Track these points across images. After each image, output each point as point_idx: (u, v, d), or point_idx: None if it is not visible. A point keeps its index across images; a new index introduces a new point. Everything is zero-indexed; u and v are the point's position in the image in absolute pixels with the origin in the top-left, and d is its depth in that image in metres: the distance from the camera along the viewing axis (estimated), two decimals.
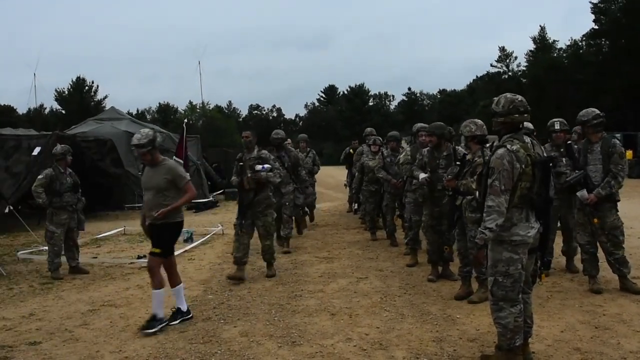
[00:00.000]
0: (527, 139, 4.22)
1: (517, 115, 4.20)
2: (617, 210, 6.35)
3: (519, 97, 4.27)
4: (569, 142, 6.58)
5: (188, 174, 17.99)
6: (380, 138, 10.74)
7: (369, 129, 12.21)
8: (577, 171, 6.33)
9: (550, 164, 4.24)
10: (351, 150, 14.42)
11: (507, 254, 4.13)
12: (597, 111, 6.34)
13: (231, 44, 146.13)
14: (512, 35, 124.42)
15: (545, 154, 4.35)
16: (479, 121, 6.19)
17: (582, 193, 6.24)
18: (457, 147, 7.44)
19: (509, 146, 4.11)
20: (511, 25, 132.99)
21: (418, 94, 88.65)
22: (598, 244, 6.43)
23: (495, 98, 4.41)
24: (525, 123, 4.43)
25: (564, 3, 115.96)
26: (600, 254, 6.43)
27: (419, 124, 8.67)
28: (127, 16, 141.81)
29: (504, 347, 4.24)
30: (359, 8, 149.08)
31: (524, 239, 4.11)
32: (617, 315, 5.55)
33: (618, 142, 6.38)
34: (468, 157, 6.24)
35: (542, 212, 4.23)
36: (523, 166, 4.05)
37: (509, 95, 4.31)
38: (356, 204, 11.92)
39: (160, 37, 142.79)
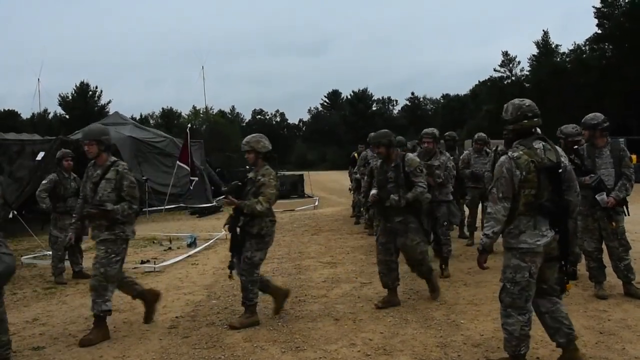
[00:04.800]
0: (539, 144, 4.13)
1: (525, 121, 4.16)
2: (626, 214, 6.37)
3: (527, 102, 4.22)
4: (576, 147, 6.54)
5: (196, 178, 18.01)
6: None
7: (373, 134, 12.13)
8: (591, 175, 6.25)
9: (559, 170, 4.11)
10: (355, 155, 14.40)
11: (515, 261, 4.11)
12: (602, 115, 6.35)
13: (233, 50, 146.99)
14: (515, 39, 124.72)
15: (562, 159, 4.19)
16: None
17: (602, 197, 6.12)
18: (443, 151, 7.77)
19: (510, 153, 4.10)
20: (514, 30, 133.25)
21: (421, 99, 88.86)
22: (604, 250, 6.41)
23: (505, 105, 4.33)
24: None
25: (567, 7, 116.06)
26: (605, 259, 6.42)
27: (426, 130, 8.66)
28: (130, 21, 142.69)
29: (509, 353, 4.22)
30: (358, 13, 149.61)
31: (531, 247, 4.04)
32: (622, 320, 5.52)
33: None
34: (250, 175, 5.91)
35: (557, 219, 4.11)
36: (524, 173, 3.99)
37: (516, 101, 4.26)
38: (363, 209, 11.85)
39: (164, 42, 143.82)
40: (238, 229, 5.77)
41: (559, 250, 4.19)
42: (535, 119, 4.17)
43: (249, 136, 6.06)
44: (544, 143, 4.17)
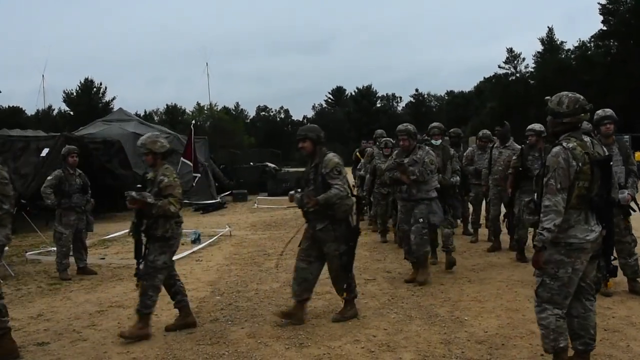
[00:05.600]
0: (587, 138, 4.02)
1: (583, 115, 4.00)
2: None
3: (581, 96, 4.05)
4: None
5: (198, 174, 17.97)
6: (392, 140, 10.50)
7: (379, 131, 11.86)
8: None
9: (611, 163, 4.03)
10: (357, 154, 14.30)
11: (558, 257, 3.94)
12: None
13: (235, 49, 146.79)
14: (519, 36, 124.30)
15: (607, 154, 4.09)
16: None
17: (624, 195, 6.06)
18: (422, 146, 7.24)
19: (564, 144, 3.92)
20: (519, 27, 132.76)
21: (426, 96, 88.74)
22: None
23: (551, 98, 4.18)
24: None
25: (572, 4, 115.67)
26: None
27: (435, 123, 8.36)
28: (134, 18, 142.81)
29: (549, 351, 4.08)
30: (360, 12, 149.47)
31: (581, 242, 3.91)
32: (626, 317, 5.51)
33: None
34: (149, 176, 5.50)
35: (604, 214, 4.01)
36: (580, 164, 3.85)
37: (569, 94, 4.07)
38: (366, 207, 11.81)
39: (168, 39, 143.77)
40: (142, 234, 5.38)
41: (603, 246, 4.08)
42: (588, 113, 4.05)
43: (144, 137, 5.63)
44: (590, 138, 4.08)
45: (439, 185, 7.25)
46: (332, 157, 5.63)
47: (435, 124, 8.26)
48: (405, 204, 7.22)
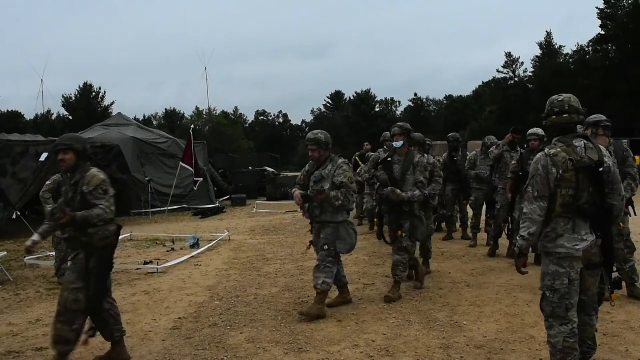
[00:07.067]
0: (580, 142, 3.85)
1: (554, 117, 3.90)
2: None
3: (561, 97, 3.93)
4: None
5: (201, 179, 17.96)
6: None
7: (387, 134, 11.49)
8: None
9: (601, 170, 3.81)
10: (357, 159, 14.21)
11: (553, 267, 3.83)
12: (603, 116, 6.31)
13: (235, 53, 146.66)
14: (518, 41, 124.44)
15: (606, 159, 3.88)
16: None
17: None
18: (335, 158, 6.39)
19: (547, 150, 3.83)
20: (518, 31, 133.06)
21: (424, 100, 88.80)
22: None
23: None
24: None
25: (571, 8, 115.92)
26: None
27: (399, 123, 7.65)
28: (133, 23, 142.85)
29: None
30: (360, 16, 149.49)
31: (569, 252, 3.76)
32: (625, 322, 5.51)
33: None
34: None
35: (599, 223, 3.82)
36: (561, 171, 3.73)
37: (553, 96, 4.00)
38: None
39: (167, 43, 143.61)
40: None
41: (602, 257, 3.90)
42: (564, 115, 3.88)
43: None
44: (585, 141, 3.90)
45: (352, 208, 6.40)
46: (97, 173, 4.75)
47: (398, 123, 7.15)
48: (314, 224, 6.44)
